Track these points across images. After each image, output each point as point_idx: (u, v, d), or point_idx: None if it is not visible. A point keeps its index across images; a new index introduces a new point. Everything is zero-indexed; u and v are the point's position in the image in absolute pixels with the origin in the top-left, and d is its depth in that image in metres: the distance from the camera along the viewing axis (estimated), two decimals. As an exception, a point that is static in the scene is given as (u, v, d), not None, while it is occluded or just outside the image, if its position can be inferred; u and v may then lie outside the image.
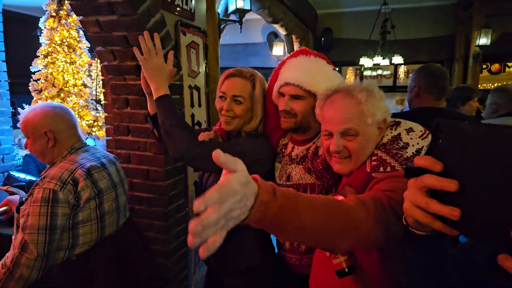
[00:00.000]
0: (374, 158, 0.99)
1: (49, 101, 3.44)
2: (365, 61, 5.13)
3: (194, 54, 2.05)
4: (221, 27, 2.40)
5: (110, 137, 1.95)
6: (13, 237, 1.25)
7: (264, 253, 1.41)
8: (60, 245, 1.25)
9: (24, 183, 2.50)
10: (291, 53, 1.36)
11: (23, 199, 1.28)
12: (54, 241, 1.21)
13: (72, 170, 1.28)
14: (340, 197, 0.87)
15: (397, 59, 4.89)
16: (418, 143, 1.00)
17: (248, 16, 2.86)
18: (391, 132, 1.04)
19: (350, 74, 8.47)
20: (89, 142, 3.40)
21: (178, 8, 1.87)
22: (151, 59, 1.36)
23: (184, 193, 2.00)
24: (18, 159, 3.55)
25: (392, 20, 5.09)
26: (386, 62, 4.92)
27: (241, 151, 1.22)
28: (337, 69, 1.36)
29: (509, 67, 8.17)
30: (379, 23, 5.17)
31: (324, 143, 1.06)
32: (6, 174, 3.02)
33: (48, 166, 1.38)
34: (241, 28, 2.73)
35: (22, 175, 2.66)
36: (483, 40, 4.48)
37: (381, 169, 0.96)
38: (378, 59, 4.94)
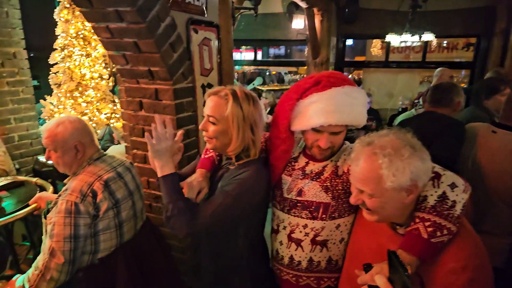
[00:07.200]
0: (427, 223, 0.98)
1: (68, 95, 3.53)
2: (391, 38, 4.75)
3: (207, 51, 2.01)
4: (235, 16, 2.31)
5: (127, 133, 2.01)
6: (43, 240, 1.37)
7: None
8: (84, 250, 1.37)
9: (52, 168, 2.66)
10: (314, 83, 1.24)
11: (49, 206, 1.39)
12: (79, 248, 1.32)
13: (91, 183, 1.36)
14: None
15: (428, 37, 4.48)
16: (463, 198, 1.00)
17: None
18: (435, 191, 1.01)
19: (377, 46, 7.89)
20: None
21: (189, 6, 1.82)
22: (160, 143, 1.23)
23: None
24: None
25: (424, -11, 4.68)
26: (415, 38, 4.55)
27: (233, 201, 1.20)
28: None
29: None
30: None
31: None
32: (35, 158, 3.22)
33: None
34: (256, 15, 2.60)
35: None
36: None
37: (438, 233, 0.97)
38: (406, 36, 4.54)
